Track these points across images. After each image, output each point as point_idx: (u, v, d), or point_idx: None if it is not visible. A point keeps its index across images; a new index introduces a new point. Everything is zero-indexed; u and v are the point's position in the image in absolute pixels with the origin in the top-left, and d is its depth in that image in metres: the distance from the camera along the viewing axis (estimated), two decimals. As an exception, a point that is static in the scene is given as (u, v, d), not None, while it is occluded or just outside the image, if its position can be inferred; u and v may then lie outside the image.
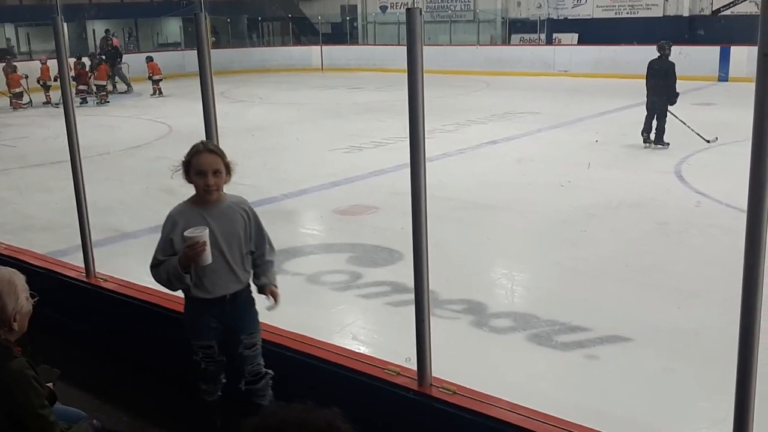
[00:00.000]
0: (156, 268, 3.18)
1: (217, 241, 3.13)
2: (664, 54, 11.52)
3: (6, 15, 24.63)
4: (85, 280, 4.40)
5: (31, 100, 19.31)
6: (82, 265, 4.44)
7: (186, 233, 3.00)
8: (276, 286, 3.36)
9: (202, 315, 3.24)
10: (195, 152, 3.15)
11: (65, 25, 4.19)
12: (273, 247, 3.40)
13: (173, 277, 3.12)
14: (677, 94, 11.43)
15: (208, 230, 3.02)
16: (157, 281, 3.25)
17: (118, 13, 26.97)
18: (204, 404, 3.34)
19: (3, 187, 10.20)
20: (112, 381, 4.19)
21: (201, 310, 3.24)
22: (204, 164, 3.11)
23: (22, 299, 2.42)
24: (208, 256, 3.01)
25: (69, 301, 4.38)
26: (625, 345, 4.85)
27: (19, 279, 2.47)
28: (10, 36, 25.38)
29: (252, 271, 3.32)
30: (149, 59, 21.49)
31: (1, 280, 2.43)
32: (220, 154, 3.17)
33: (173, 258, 3.12)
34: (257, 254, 3.31)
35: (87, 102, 19.27)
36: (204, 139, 3.48)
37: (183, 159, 3.16)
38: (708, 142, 11.26)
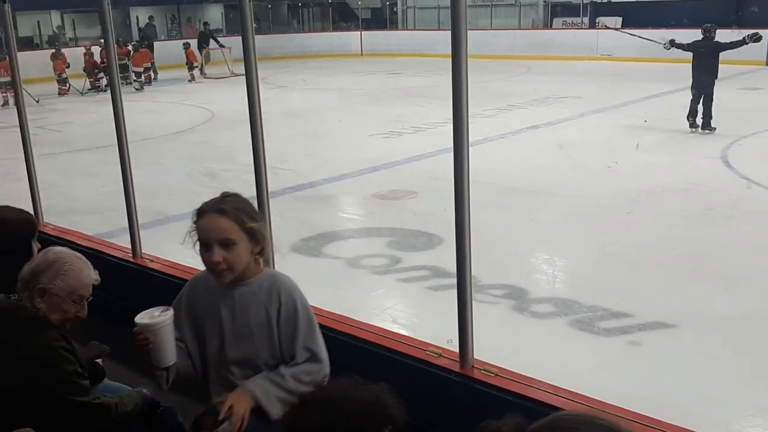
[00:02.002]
0: None
1: (223, 338, 2.27)
2: (709, 36, 11.26)
3: (53, 1, 25.08)
4: (132, 260, 4.48)
5: (70, 86, 19.61)
6: (129, 246, 4.52)
7: (137, 318, 2.21)
8: (257, 402, 2.21)
9: None
10: (199, 212, 2.24)
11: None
12: (319, 365, 2.36)
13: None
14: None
15: (170, 316, 2.19)
16: None
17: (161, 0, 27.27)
18: None
19: (49, 170, 10.41)
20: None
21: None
22: (206, 231, 2.20)
23: (60, 281, 2.45)
24: (161, 356, 2.19)
25: (115, 281, 4.46)
26: (669, 331, 4.79)
27: (69, 262, 2.50)
28: (57, 22, 25.85)
29: None
30: (186, 45, 21.75)
31: (48, 257, 2.50)
32: (236, 217, 2.20)
33: None
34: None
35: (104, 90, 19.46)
36: (250, 122, 3.27)
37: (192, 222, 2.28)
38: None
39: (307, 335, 2.31)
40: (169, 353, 2.20)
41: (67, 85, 19.54)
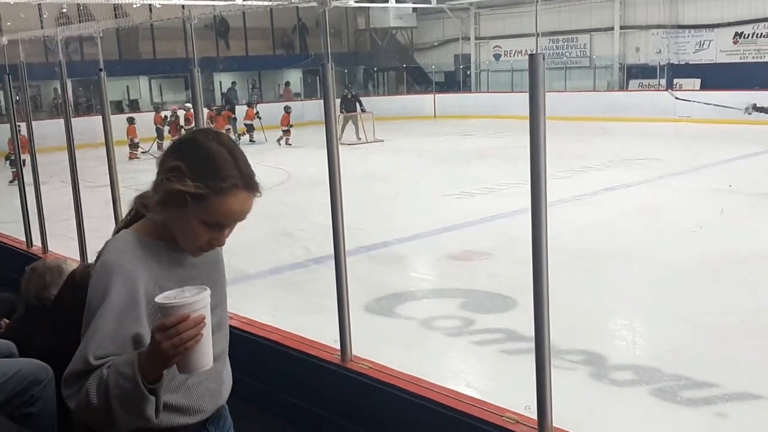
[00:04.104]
0: (79, 379, 1.56)
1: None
2: (796, 98, 11.00)
3: (143, 68, 26.47)
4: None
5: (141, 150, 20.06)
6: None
7: (158, 299, 1.54)
8: None
9: None
10: (230, 186, 1.71)
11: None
12: None
13: (123, 400, 1.52)
14: None
15: (209, 292, 1.57)
16: (75, 410, 1.57)
17: (244, 66, 28.41)
18: None
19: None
20: None
21: None
22: (232, 214, 1.75)
23: None
24: (204, 355, 1.57)
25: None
26: (757, 403, 4.58)
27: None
28: (144, 87, 27.25)
29: None
30: (288, 109, 22.00)
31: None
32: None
33: (119, 360, 1.55)
34: None
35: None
36: (329, 183, 3.33)
37: (185, 183, 1.73)
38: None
39: None
40: (212, 349, 1.60)
41: (138, 149, 19.58)
